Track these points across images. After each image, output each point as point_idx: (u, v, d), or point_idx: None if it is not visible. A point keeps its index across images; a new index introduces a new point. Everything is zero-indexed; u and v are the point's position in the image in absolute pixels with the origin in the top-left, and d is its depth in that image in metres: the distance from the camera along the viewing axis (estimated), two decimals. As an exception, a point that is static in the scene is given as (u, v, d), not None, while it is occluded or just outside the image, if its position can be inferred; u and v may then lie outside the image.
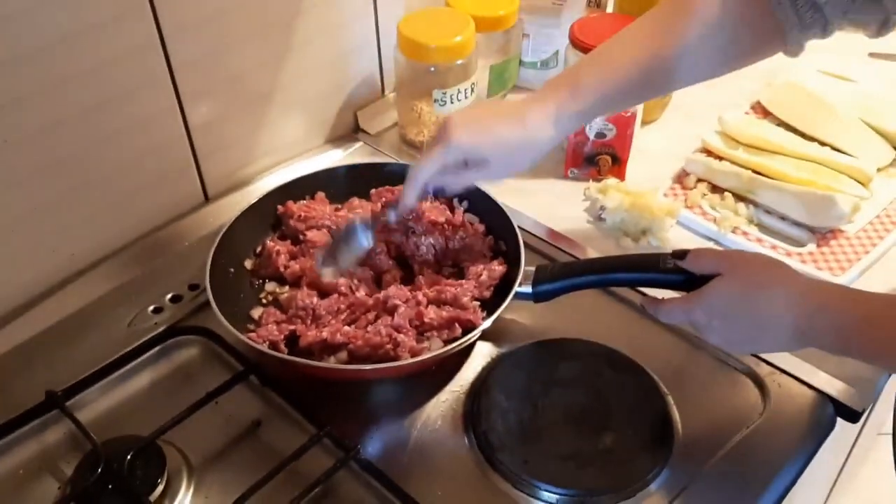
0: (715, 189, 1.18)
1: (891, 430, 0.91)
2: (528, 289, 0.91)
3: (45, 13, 0.87)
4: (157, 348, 0.96)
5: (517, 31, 1.34)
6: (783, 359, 0.93)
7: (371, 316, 0.94)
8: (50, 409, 0.88)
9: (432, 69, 1.19)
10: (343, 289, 0.95)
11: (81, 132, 0.97)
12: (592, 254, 1.08)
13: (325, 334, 0.89)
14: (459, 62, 1.20)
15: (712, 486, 0.83)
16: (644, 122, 1.29)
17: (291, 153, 1.26)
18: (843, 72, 1.38)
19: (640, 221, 1.10)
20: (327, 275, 0.96)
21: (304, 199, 1.08)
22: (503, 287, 0.96)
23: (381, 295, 0.94)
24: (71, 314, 0.99)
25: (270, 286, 1.01)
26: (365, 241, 0.97)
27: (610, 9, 1.44)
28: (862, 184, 1.15)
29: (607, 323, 0.99)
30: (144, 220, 1.11)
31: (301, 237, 1.02)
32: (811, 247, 1.09)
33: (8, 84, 0.88)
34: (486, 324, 0.90)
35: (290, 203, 1.06)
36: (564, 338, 0.96)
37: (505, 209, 1.03)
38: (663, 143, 1.28)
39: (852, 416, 0.90)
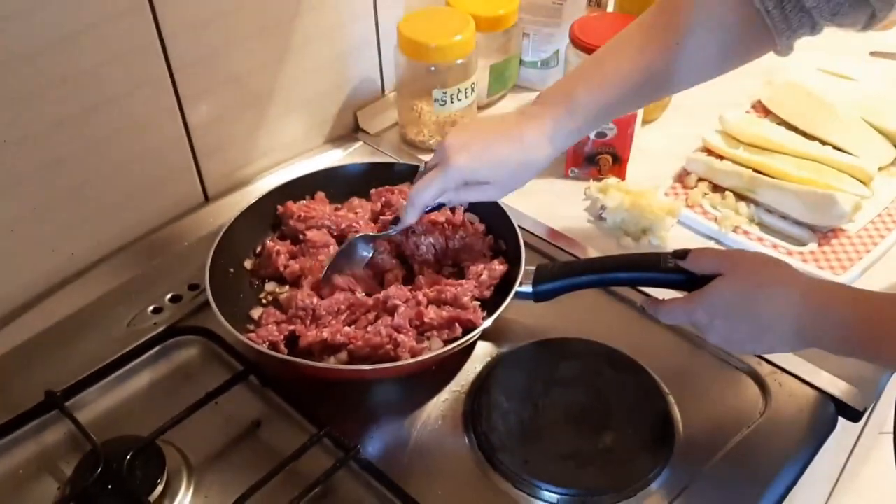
0: (716, 188, 1.17)
1: (892, 429, 0.91)
2: (528, 288, 0.91)
3: (44, 13, 0.87)
4: (156, 348, 0.96)
5: (517, 31, 1.34)
6: (784, 358, 0.93)
7: (371, 316, 0.94)
8: (49, 410, 0.87)
9: (432, 69, 1.19)
10: (342, 284, 0.95)
11: (81, 132, 0.97)
12: (593, 253, 1.08)
13: (325, 335, 0.89)
14: (459, 62, 1.20)
15: (713, 485, 0.82)
16: (645, 122, 1.29)
17: (291, 153, 1.25)
18: (844, 70, 1.38)
19: (640, 221, 1.10)
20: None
21: (304, 198, 1.08)
22: (503, 286, 0.95)
23: (381, 295, 0.94)
24: (70, 314, 0.99)
25: (270, 286, 1.01)
26: (366, 252, 0.99)
27: (610, 8, 1.44)
28: (863, 183, 1.15)
29: (608, 322, 0.99)
30: (144, 220, 1.11)
31: (301, 237, 1.02)
32: (812, 246, 1.08)
33: (7, 84, 0.88)
34: (487, 323, 0.90)
35: (289, 203, 1.06)
36: (565, 337, 0.96)
37: (505, 208, 1.03)
38: (664, 142, 1.28)
39: (854, 415, 0.90)
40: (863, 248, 1.07)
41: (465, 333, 0.90)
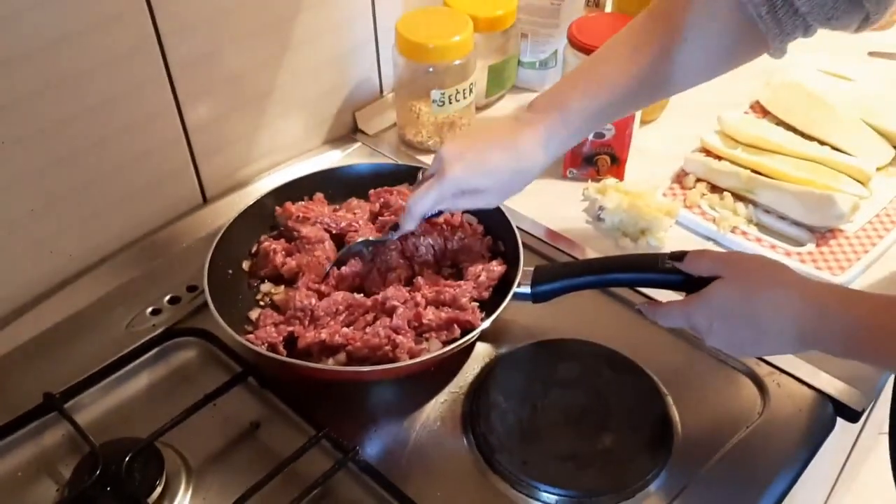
0: (714, 189, 1.17)
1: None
2: (526, 289, 0.91)
3: (41, 14, 0.87)
4: (155, 350, 0.95)
5: (516, 31, 1.34)
6: (783, 359, 0.93)
7: (370, 317, 0.93)
8: (48, 412, 0.87)
9: (431, 69, 1.19)
10: (331, 282, 0.96)
11: (78, 133, 0.97)
12: (591, 254, 1.08)
13: (323, 336, 0.89)
14: (458, 62, 1.19)
15: (712, 486, 0.82)
16: (643, 122, 1.29)
17: (290, 154, 1.25)
18: (843, 71, 1.38)
19: (638, 221, 1.10)
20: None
21: (303, 199, 1.08)
22: (502, 287, 0.95)
23: (380, 296, 0.94)
24: (69, 316, 0.99)
25: (266, 287, 1.00)
26: (368, 257, 1.00)
27: (608, 8, 1.44)
28: (861, 183, 1.15)
29: (606, 323, 0.99)
30: (142, 222, 1.11)
31: (295, 234, 1.02)
32: (810, 246, 1.08)
33: (4, 85, 0.88)
34: (485, 325, 0.90)
35: (288, 204, 1.06)
36: (563, 338, 0.96)
37: (503, 209, 1.03)
38: (662, 142, 1.28)
39: (852, 415, 0.90)
40: (861, 249, 1.07)
41: (463, 334, 0.90)
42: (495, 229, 1.04)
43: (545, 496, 0.81)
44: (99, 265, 1.06)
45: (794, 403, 0.90)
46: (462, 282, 0.96)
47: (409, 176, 1.07)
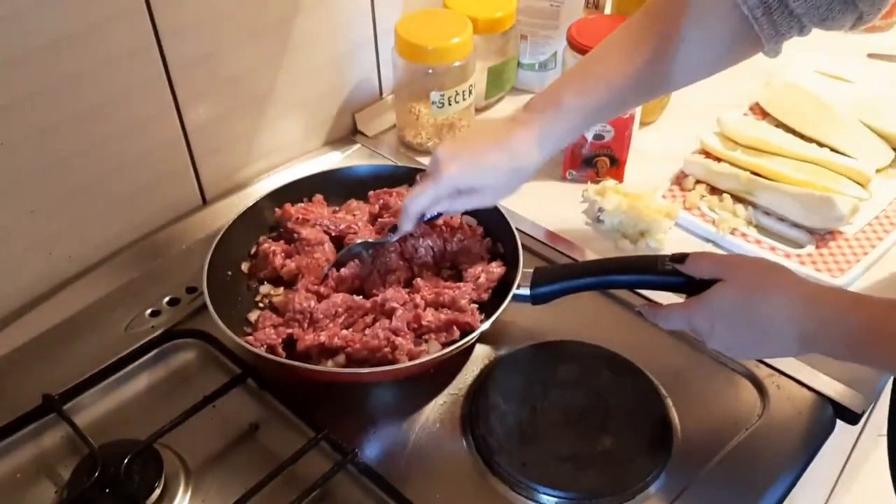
0: (713, 190, 1.17)
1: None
2: (526, 291, 0.91)
3: (40, 15, 0.87)
4: (154, 352, 0.95)
5: (515, 33, 1.34)
6: (782, 361, 0.93)
7: (369, 319, 0.93)
8: (47, 413, 0.87)
9: (430, 71, 1.19)
10: (331, 283, 0.96)
11: (78, 134, 0.97)
12: (591, 256, 1.08)
13: (322, 338, 0.89)
14: (457, 64, 1.19)
15: (711, 488, 0.82)
16: (642, 124, 1.29)
17: (289, 155, 1.25)
18: (842, 72, 1.38)
19: (638, 223, 1.10)
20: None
21: (302, 201, 1.08)
22: (501, 289, 0.95)
23: (379, 298, 0.94)
24: (68, 317, 0.99)
25: (265, 288, 1.00)
26: (368, 260, 1.00)
27: (608, 10, 1.44)
28: (861, 185, 1.15)
29: (605, 325, 0.99)
30: (142, 223, 1.11)
31: (295, 235, 1.02)
32: (810, 248, 1.08)
33: (3, 86, 0.88)
34: (485, 326, 0.90)
35: (287, 205, 1.06)
36: (563, 340, 0.96)
37: (503, 211, 1.03)
38: (661, 144, 1.28)
39: (852, 418, 0.90)
40: (860, 251, 1.07)
41: (462, 336, 0.90)
42: (495, 231, 1.04)
43: (544, 498, 0.81)
44: (98, 266, 1.06)
45: (794, 405, 0.90)
46: (461, 283, 0.96)
47: (408, 177, 1.07)
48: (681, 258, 0.83)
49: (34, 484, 0.83)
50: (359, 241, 1.00)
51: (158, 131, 1.06)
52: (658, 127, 1.33)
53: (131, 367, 0.94)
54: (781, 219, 1.12)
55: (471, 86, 1.23)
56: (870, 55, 1.46)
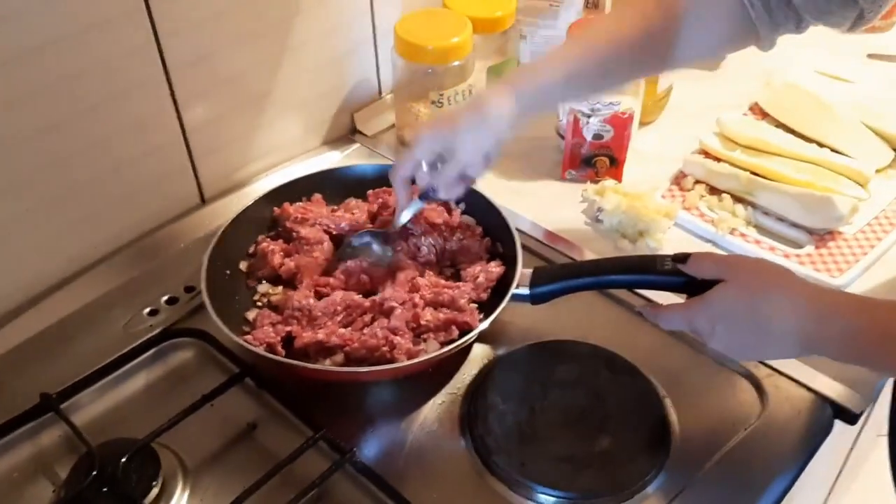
0: (713, 190, 1.17)
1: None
2: (525, 291, 0.91)
3: (39, 14, 0.87)
4: (152, 351, 0.95)
5: (514, 33, 1.34)
6: (781, 361, 0.93)
7: (367, 318, 0.93)
8: (44, 412, 0.87)
9: (429, 71, 1.19)
10: (339, 276, 0.97)
11: (77, 134, 0.97)
12: (590, 255, 1.08)
13: (320, 335, 0.89)
14: (457, 63, 1.19)
15: (710, 488, 0.82)
16: (642, 124, 1.29)
17: (288, 155, 1.25)
18: (842, 73, 1.38)
19: (637, 223, 1.10)
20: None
21: (301, 200, 1.08)
22: (500, 289, 0.95)
23: (378, 297, 0.94)
24: (66, 316, 0.99)
25: (264, 287, 1.00)
26: (381, 252, 1.01)
27: (607, 10, 1.43)
28: (860, 185, 1.15)
29: (604, 325, 0.99)
30: (140, 222, 1.11)
31: (294, 234, 1.02)
32: (809, 248, 1.08)
33: (3, 85, 0.88)
34: (483, 326, 0.90)
35: (286, 205, 1.06)
36: (561, 340, 0.96)
37: (502, 211, 1.03)
38: (661, 144, 1.28)
39: (850, 418, 0.90)
40: (860, 251, 1.07)
41: (461, 335, 0.90)
42: (494, 231, 1.04)
43: (543, 498, 0.81)
44: (97, 265, 1.06)
45: (793, 406, 0.89)
46: (461, 283, 0.96)
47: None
48: (683, 258, 0.82)
49: (32, 483, 0.83)
50: (363, 231, 1.01)
51: (157, 131, 1.06)
52: (657, 127, 1.33)
53: (129, 366, 0.94)
54: (781, 219, 1.12)
55: (470, 86, 1.23)
56: (870, 55, 1.46)
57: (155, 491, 0.80)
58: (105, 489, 0.79)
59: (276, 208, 1.06)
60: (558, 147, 1.24)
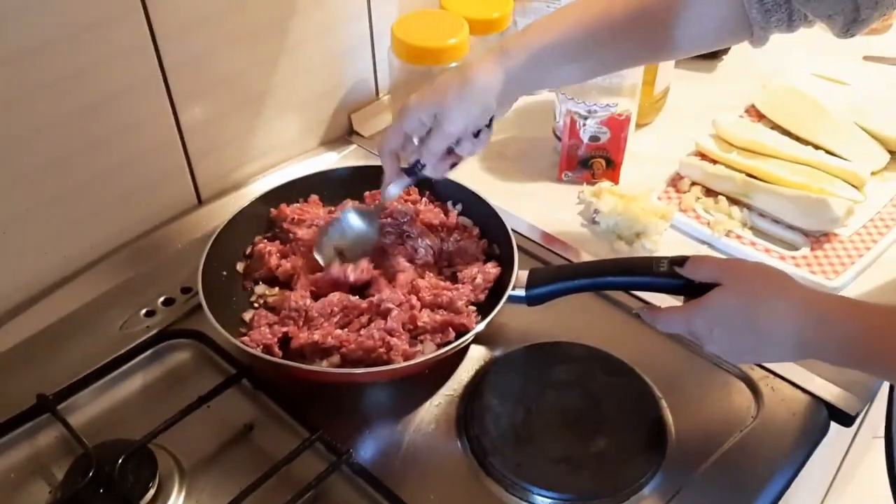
0: (709, 192, 1.18)
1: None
2: (521, 292, 0.91)
3: (36, 14, 0.87)
4: (148, 352, 0.95)
5: (511, 34, 1.34)
6: (777, 363, 0.93)
7: (364, 319, 0.93)
8: (41, 413, 0.87)
9: (426, 71, 1.19)
10: (336, 273, 0.96)
11: (73, 134, 0.97)
12: (586, 257, 1.08)
13: (316, 336, 0.89)
14: (454, 65, 1.19)
15: (705, 490, 0.82)
16: (638, 126, 1.29)
17: (285, 155, 1.25)
18: (838, 75, 1.38)
19: (633, 225, 1.10)
20: (323, 259, 0.97)
21: (298, 201, 1.08)
22: (497, 290, 0.95)
23: (375, 298, 0.94)
24: (62, 317, 0.99)
25: (260, 288, 1.00)
26: (367, 228, 1.00)
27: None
28: (856, 187, 1.15)
29: (601, 326, 0.99)
30: (137, 223, 1.11)
31: (291, 235, 1.02)
32: (805, 250, 1.08)
33: (-1, 86, 0.88)
34: (480, 327, 0.90)
35: (283, 206, 1.06)
36: (558, 341, 0.96)
37: (499, 212, 1.03)
38: (657, 146, 1.28)
39: (846, 420, 0.90)
40: (855, 253, 1.08)
41: (458, 337, 0.90)
42: (490, 232, 1.04)
43: (539, 499, 0.81)
44: (93, 266, 1.06)
45: (788, 407, 0.90)
46: (459, 285, 0.96)
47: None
48: (680, 261, 0.82)
49: (28, 484, 0.83)
50: (348, 208, 1.01)
51: (154, 131, 1.06)
52: (654, 129, 1.33)
53: (126, 367, 0.94)
54: (776, 221, 1.12)
55: (467, 87, 1.23)
56: (865, 58, 1.46)
57: (151, 492, 0.80)
58: (101, 490, 0.79)
59: (272, 209, 1.06)
60: (555, 148, 1.24)
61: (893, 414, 0.93)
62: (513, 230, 1.01)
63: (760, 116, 1.31)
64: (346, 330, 0.92)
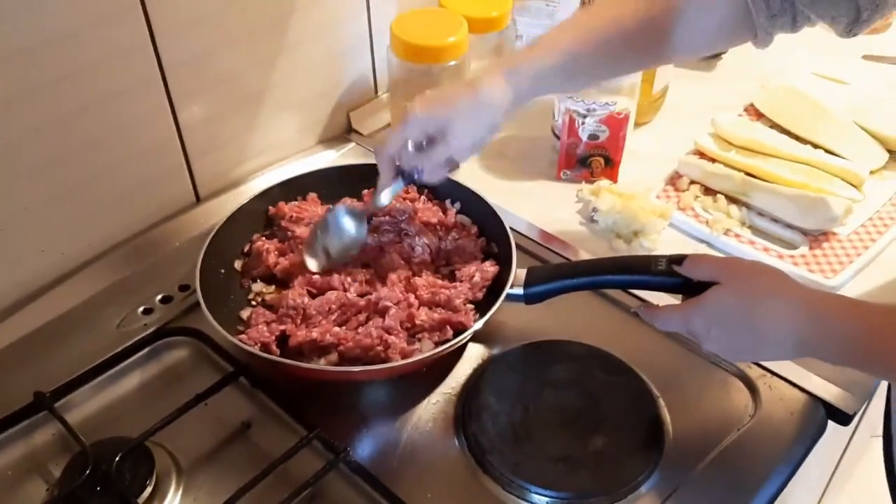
0: (707, 191, 1.18)
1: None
2: (519, 291, 0.91)
3: (35, 14, 0.87)
4: (146, 349, 0.95)
5: (510, 33, 1.34)
6: (775, 362, 0.93)
7: (362, 317, 0.93)
8: (38, 411, 0.87)
9: (425, 70, 1.19)
10: (336, 284, 0.95)
11: (72, 132, 0.97)
12: (584, 255, 1.08)
13: (314, 334, 0.89)
14: (452, 63, 1.19)
15: (703, 488, 0.82)
16: (637, 124, 1.29)
17: (284, 154, 1.25)
18: (837, 74, 1.38)
19: (632, 223, 1.10)
20: (312, 264, 0.97)
21: (296, 199, 1.08)
22: (495, 288, 0.95)
23: (373, 296, 0.94)
24: (60, 315, 0.99)
25: (258, 286, 1.00)
26: (355, 229, 0.99)
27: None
28: (854, 186, 1.15)
29: (599, 325, 0.99)
30: (135, 221, 1.11)
31: (289, 234, 1.02)
32: (803, 249, 1.08)
33: (-2, 84, 0.88)
34: (478, 326, 0.90)
35: (281, 204, 1.06)
36: (556, 340, 0.96)
37: (497, 210, 1.03)
38: (656, 145, 1.28)
39: (844, 419, 0.90)
40: (854, 252, 1.07)
41: (455, 335, 0.90)
42: (489, 231, 1.04)
43: (537, 497, 0.81)
44: (91, 264, 1.06)
45: (786, 406, 0.90)
46: (457, 283, 0.96)
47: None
48: (679, 259, 0.82)
49: (25, 481, 0.83)
50: (341, 207, 1.00)
51: (153, 130, 1.06)
52: (653, 127, 1.33)
53: (123, 364, 0.94)
54: (775, 220, 1.12)
55: (466, 85, 1.23)
56: (865, 57, 1.46)
57: (149, 490, 0.80)
58: (99, 488, 0.79)
59: (270, 207, 1.06)
60: (554, 147, 1.24)
61: (892, 413, 0.93)
62: (511, 228, 1.00)
63: (759, 115, 1.31)
64: (343, 328, 0.92)
